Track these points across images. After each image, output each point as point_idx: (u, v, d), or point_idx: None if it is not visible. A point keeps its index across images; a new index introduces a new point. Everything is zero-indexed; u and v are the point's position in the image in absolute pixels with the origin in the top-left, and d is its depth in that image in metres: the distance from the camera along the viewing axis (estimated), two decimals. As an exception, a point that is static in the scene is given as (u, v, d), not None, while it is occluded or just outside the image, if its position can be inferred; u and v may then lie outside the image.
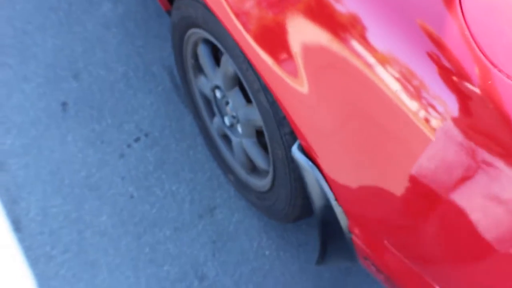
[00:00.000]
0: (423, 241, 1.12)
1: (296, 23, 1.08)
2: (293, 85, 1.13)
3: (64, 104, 1.95)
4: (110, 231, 1.78)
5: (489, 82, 0.90)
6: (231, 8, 1.22)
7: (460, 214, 0.99)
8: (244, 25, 1.20)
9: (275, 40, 1.14)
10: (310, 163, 1.19)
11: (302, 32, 1.08)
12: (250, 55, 1.22)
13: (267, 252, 1.76)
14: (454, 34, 0.92)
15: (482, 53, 0.91)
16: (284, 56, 1.13)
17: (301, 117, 1.17)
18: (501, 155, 0.91)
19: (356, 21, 0.99)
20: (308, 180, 1.23)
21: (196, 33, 1.53)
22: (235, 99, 1.51)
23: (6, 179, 1.84)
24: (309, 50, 1.07)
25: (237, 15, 1.21)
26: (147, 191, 1.83)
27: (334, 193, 1.21)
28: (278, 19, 1.12)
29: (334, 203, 1.22)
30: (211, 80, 1.58)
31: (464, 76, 0.91)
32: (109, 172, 1.85)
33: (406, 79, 0.95)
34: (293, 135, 1.28)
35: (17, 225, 1.78)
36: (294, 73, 1.12)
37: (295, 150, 1.22)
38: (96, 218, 1.79)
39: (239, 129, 1.57)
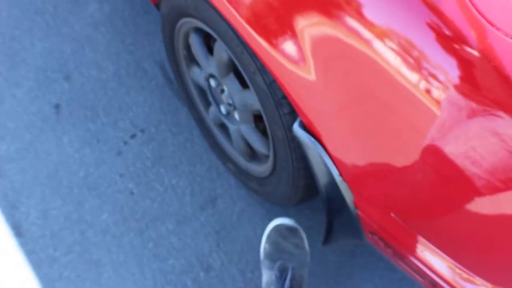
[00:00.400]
0: (430, 210, 1.12)
1: (298, 3, 1.08)
2: (294, 66, 1.12)
3: (57, 106, 1.94)
4: (112, 229, 1.77)
5: (488, 41, 0.90)
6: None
7: (468, 181, 0.99)
8: (239, 8, 1.20)
9: (271, 20, 1.14)
10: (313, 139, 1.19)
11: (303, 11, 1.07)
12: (246, 37, 1.21)
13: (271, 239, 1.75)
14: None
15: (479, 12, 0.91)
16: (283, 36, 1.12)
17: (302, 96, 1.17)
18: (507, 114, 0.91)
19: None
20: (311, 157, 1.23)
21: (187, 22, 1.53)
22: (230, 85, 1.50)
23: (3, 184, 1.83)
24: (310, 31, 1.07)
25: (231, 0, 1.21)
26: (146, 187, 1.82)
27: (338, 169, 1.21)
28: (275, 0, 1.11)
29: (339, 179, 1.21)
30: (205, 69, 1.58)
31: (462, 39, 0.91)
32: (107, 170, 1.84)
33: (406, 51, 0.95)
34: (292, 115, 1.27)
35: (18, 230, 1.77)
36: (295, 54, 1.11)
37: (296, 128, 1.21)
38: (97, 217, 1.78)
39: (236, 116, 1.56)
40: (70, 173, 1.84)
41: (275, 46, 1.14)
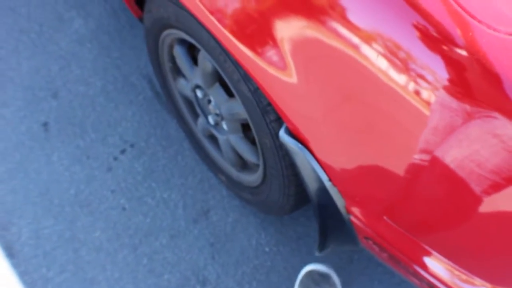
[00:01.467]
0: (425, 213, 1.10)
1: (275, 10, 1.06)
2: (276, 71, 1.11)
3: (45, 125, 1.92)
4: (106, 246, 1.74)
5: (470, 34, 0.88)
6: (206, 3, 1.20)
7: (462, 182, 0.98)
8: (219, 17, 1.18)
9: (253, 28, 1.12)
10: (300, 145, 1.17)
11: (281, 17, 1.05)
12: (228, 46, 1.20)
13: (267, 249, 1.73)
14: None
15: (463, 9, 0.89)
16: (264, 43, 1.11)
17: (287, 102, 1.15)
18: (497, 111, 0.89)
19: (335, 2, 0.96)
20: (299, 164, 1.21)
21: (170, 34, 1.51)
22: (216, 95, 1.48)
23: (-6, 206, 1.81)
24: (289, 36, 1.05)
25: (212, 10, 1.19)
26: (138, 202, 1.80)
27: (327, 174, 1.19)
28: (256, 7, 1.10)
29: (328, 184, 1.19)
30: (191, 80, 1.56)
31: (447, 38, 0.89)
32: (98, 187, 1.82)
33: (393, 54, 0.93)
34: (278, 122, 1.25)
35: (10, 251, 1.75)
36: (276, 60, 1.10)
37: (282, 134, 1.19)
38: (90, 235, 1.76)
39: (224, 126, 1.54)
40: (61, 191, 1.82)
41: (255, 51, 1.12)
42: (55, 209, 1.79)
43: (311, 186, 1.23)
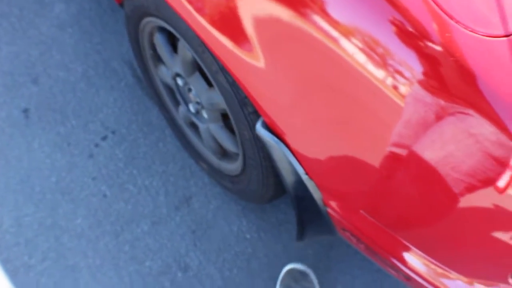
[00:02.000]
0: (399, 207, 1.11)
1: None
2: (250, 62, 1.10)
3: (26, 111, 1.90)
4: (87, 233, 1.75)
5: (447, 35, 0.88)
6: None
7: (434, 179, 0.98)
8: (193, 6, 1.17)
9: (226, 18, 1.12)
10: (276, 138, 1.17)
11: (254, 6, 1.05)
12: (203, 37, 1.19)
13: (248, 236, 1.74)
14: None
15: (439, 7, 0.89)
16: (237, 33, 1.10)
17: (261, 93, 1.15)
18: (470, 107, 0.89)
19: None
20: (276, 157, 1.21)
21: (150, 22, 1.50)
22: (196, 84, 1.48)
23: (-25, 193, 1.80)
24: (262, 24, 1.05)
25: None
26: (120, 189, 1.80)
27: (304, 167, 1.19)
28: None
29: (305, 177, 1.20)
30: (171, 68, 1.55)
31: (424, 34, 0.89)
32: (79, 174, 1.81)
33: (369, 46, 0.93)
34: (256, 114, 1.25)
35: (-8, 239, 1.75)
36: (249, 50, 1.09)
37: (259, 128, 1.19)
38: (72, 222, 1.76)
39: (205, 114, 1.54)
40: (42, 178, 1.81)
41: (228, 40, 1.12)
42: (37, 197, 1.79)
43: (288, 178, 1.23)
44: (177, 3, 1.22)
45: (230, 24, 1.11)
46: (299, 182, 1.21)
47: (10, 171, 1.82)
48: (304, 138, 1.15)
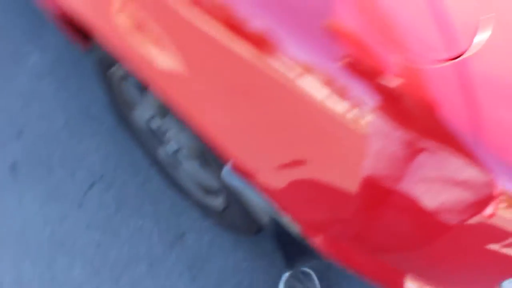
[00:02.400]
0: (378, 232, 1.11)
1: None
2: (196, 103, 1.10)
3: (13, 166, 1.92)
4: (86, 283, 1.75)
5: (400, 63, 0.87)
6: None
7: (407, 200, 0.98)
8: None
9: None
10: (241, 183, 1.16)
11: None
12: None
13: (244, 265, 1.74)
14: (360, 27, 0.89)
15: (396, 39, 0.88)
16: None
17: (223, 133, 1.15)
18: (430, 137, 0.89)
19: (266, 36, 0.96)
20: (247, 198, 1.21)
21: (117, 70, 1.51)
22: (170, 125, 1.48)
23: (-27, 255, 1.82)
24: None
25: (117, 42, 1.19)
26: (113, 233, 1.80)
27: (278, 203, 1.19)
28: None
29: (279, 213, 1.19)
30: (144, 112, 1.56)
31: (378, 69, 0.88)
32: (72, 224, 1.82)
33: (326, 83, 0.92)
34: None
35: (-6, 299, 1.76)
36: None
37: (224, 174, 1.19)
38: (70, 273, 1.77)
39: (184, 153, 1.54)
40: (36, 232, 1.82)
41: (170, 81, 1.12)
42: (33, 252, 1.80)
43: (263, 217, 1.23)
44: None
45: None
46: (275, 218, 1.21)
47: (3, 228, 1.84)
48: (271, 174, 1.14)
